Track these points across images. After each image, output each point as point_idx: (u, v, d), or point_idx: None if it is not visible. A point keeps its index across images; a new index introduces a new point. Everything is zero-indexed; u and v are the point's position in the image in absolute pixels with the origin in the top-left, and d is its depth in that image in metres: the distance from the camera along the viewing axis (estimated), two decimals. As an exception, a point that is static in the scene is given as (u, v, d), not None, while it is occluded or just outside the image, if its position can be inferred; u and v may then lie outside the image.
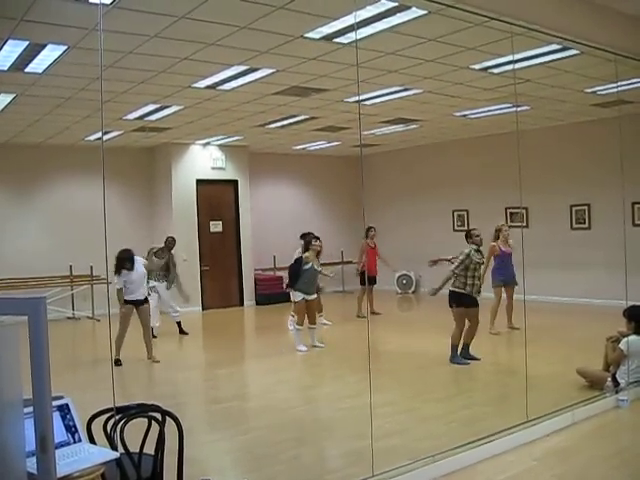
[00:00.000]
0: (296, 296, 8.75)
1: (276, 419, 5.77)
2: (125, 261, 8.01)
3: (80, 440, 2.98)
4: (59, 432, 2.87)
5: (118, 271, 8.01)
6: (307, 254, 8.76)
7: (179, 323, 10.35)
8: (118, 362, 7.97)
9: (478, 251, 7.74)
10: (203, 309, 13.05)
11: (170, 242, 10.16)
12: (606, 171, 10.41)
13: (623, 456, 4.65)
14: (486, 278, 8.75)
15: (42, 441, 1.93)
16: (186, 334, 10.32)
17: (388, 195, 15.17)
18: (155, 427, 3.33)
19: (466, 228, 13.55)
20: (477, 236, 7.78)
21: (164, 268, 10.01)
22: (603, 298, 10.65)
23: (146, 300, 8.37)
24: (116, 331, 7.95)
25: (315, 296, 8.91)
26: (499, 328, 9.24)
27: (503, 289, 9.39)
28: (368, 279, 11.47)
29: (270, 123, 10.86)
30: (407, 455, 4.49)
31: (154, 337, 9.36)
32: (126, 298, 8.12)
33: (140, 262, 8.33)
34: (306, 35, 6.00)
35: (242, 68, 7.17)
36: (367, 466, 4.23)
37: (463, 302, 7.58)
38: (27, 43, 5.88)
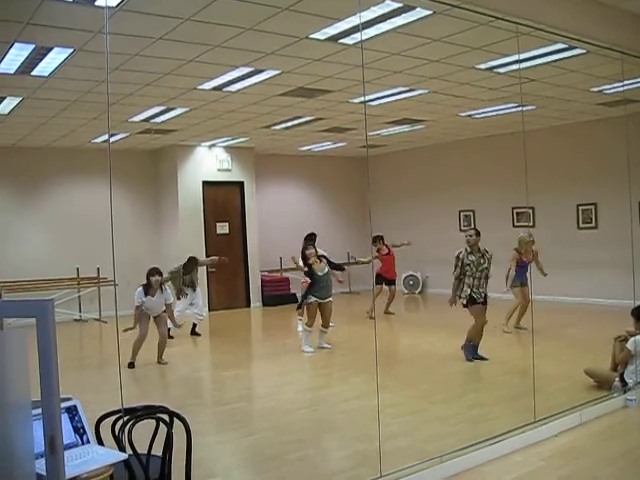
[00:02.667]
0: (309, 299, 8.76)
1: (283, 420, 5.76)
2: (149, 287, 8.09)
3: (88, 442, 2.99)
4: (67, 434, 2.88)
5: (146, 292, 8.05)
6: (312, 263, 8.80)
7: (195, 325, 10.42)
8: (132, 365, 7.99)
9: (471, 253, 7.63)
10: (210, 311, 13.05)
11: (192, 263, 10.33)
12: (612, 170, 10.39)
13: (631, 456, 4.63)
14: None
15: (51, 442, 1.94)
16: (199, 335, 10.36)
17: (394, 196, 15.15)
18: (163, 428, 3.34)
19: (472, 228, 13.60)
20: (469, 236, 7.75)
21: (191, 282, 10.31)
22: (610, 298, 10.61)
23: (163, 311, 8.36)
24: (127, 334, 7.91)
25: (330, 300, 8.90)
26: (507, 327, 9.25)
27: (521, 291, 9.38)
28: (387, 281, 11.66)
29: (276, 124, 10.87)
30: (414, 456, 4.49)
31: (171, 337, 9.51)
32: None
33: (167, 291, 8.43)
34: (311, 36, 6.00)
35: (248, 70, 7.18)
36: (375, 467, 4.23)
37: (475, 300, 7.60)
38: (33, 46, 5.90)
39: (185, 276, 10.19)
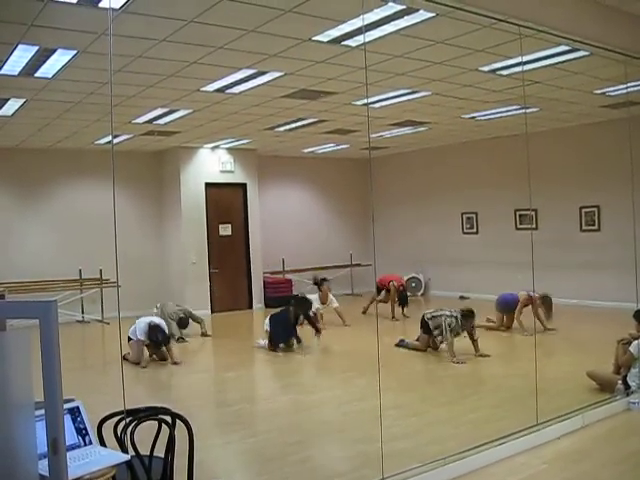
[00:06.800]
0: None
1: (285, 421, 5.77)
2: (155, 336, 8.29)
3: (91, 443, 2.99)
4: (70, 435, 2.88)
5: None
6: None
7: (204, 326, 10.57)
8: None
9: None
10: (212, 312, 13.06)
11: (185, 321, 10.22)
12: (615, 173, 10.38)
13: (634, 459, 4.62)
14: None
15: (53, 443, 1.94)
16: (208, 336, 10.39)
17: (397, 197, 15.15)
18: (165, 430, 3.34)
19: (475, 231, 13.61)
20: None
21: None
22: (613, 300, 10.59)
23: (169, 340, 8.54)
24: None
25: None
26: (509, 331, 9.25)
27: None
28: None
29: (279, 126, 10.87)
30: (417, 458, 4.49)
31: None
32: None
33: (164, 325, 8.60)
34: (314, 38, 6.00)
35: (250, 71, 7.18)
36: (377, 469, 4.22)
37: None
38: (37, 48, 5.91)
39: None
